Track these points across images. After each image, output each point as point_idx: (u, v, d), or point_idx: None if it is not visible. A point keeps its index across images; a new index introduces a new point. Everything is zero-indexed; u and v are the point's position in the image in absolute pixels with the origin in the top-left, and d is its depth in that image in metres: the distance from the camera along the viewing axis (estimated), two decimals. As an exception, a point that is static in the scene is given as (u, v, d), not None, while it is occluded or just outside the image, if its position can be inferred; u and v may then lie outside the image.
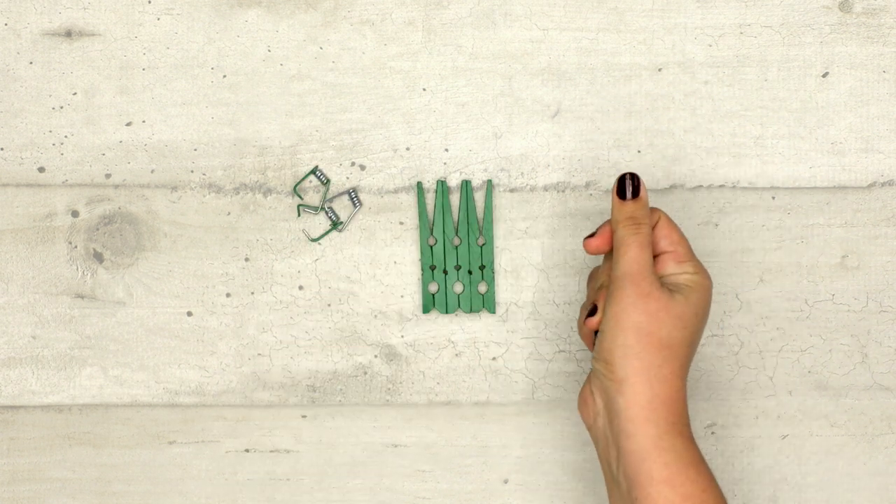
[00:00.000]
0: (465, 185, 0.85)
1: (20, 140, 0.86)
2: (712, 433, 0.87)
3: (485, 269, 0.84)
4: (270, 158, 0.86)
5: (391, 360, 0.87)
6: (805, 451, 0.87)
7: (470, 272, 0.84)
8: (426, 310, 0.85)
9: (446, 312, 0.84)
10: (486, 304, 0.85)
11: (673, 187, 0.86)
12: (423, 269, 0.82)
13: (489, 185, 0.85)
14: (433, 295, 0.83)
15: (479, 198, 0.86)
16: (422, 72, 0.86)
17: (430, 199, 0.86)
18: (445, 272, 0.84)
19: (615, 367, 0.72)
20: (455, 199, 0.86)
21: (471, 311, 0.85)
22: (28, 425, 0.87)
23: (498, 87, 0.87)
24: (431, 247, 0.84)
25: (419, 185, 0.85)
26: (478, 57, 0.86)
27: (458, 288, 0.85)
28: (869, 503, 0.87)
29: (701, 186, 0.86)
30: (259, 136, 0.86)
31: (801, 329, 0.87)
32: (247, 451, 0.87)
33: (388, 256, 0.86)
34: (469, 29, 0.86)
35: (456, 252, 0.84)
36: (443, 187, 0.84)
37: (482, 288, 0.85)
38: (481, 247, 0.84)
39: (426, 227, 0.84)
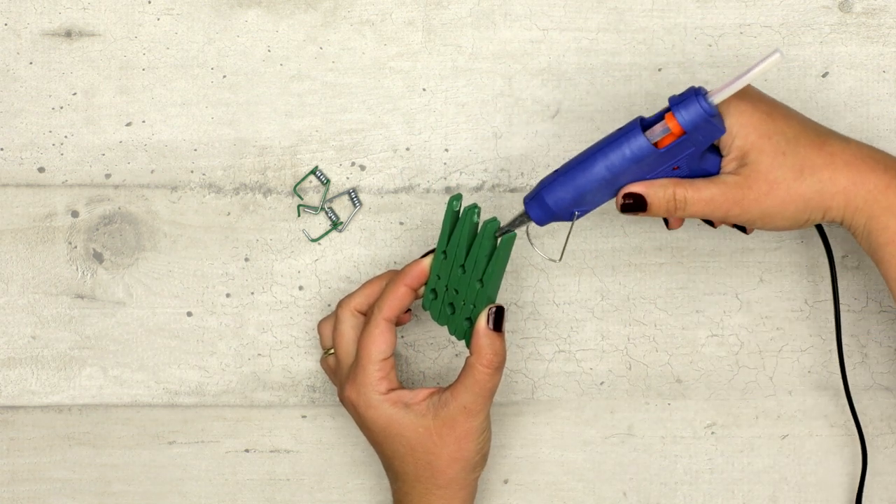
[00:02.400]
0: (486, 227, 0.76)
1: (20, 140, 0.86)
2: (712, 433, 0.87)
3: (475, 308, 0.78)
4: (270, 158, 0.86)
5: (391, 360, 0.87)
6: (805, 451, 0.87)
7: (463, 303, 0.78)
8: (425, 306, 0.81)
9: (437, 321, 0.80)
10: (468, 339, 0.79)
11: (673, 187, 0.87)
12: (432, 270, 0.78)
13: (505, 240, 0.76)
14: (433, 299, 0.79)
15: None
16: (422, 72, 0.86)
17: (430, 202, 0.86)
18: (446, 288, 0.79)
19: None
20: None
21: (453, 334, 0.80)
22: (28, 425, 0.87)
23: (498, 87, 0.87)
24: (445, 257, 0.80)
25: (456, 197, 0.77)
26: (478, 57, 0.86)
27: (450, 309, 0.80)
28: (869, 503, 0.87)
29: (701, 186, 0.86)
30: (259, 136, 0.86)
31: (801, 329, 0.87)
32: (247, 451, 0.87)
33: (388, 257, 0.86)
34: (469, 29, 0.86)
35: (459, 277, 0.78)
36: (471, 214, 0.75)
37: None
38: (479, 289, 0.77)
39: (445, 238, 0.78)
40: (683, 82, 0.86)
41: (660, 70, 0.86)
